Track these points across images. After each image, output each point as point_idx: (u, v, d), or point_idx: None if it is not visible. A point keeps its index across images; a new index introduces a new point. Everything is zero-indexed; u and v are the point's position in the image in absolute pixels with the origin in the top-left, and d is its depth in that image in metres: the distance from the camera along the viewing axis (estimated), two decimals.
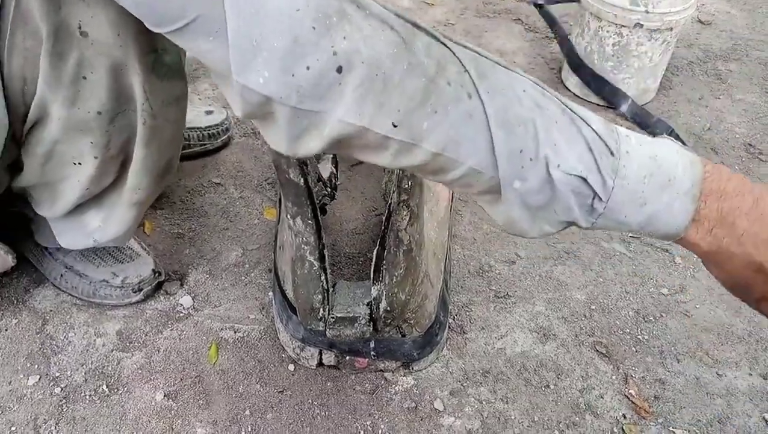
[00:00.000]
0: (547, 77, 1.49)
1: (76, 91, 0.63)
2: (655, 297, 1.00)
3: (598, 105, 1.40)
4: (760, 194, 0.49)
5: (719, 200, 0.48)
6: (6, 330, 0.90)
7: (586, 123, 0.48)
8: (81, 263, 0.93)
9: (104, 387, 0.84)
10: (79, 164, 0.70)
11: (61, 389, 0.84)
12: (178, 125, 0.75)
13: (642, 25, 1.27)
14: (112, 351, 0.88)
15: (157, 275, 0.94)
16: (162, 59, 0.66)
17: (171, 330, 0.91)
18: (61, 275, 0.93)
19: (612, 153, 0.47)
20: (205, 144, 1.19)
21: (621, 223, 0.49)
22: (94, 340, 0.89)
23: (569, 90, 1.44)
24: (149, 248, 0.98)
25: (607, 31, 1.31)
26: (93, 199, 0.77)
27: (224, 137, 1.21)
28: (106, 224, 0.80)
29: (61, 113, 0.65)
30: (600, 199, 0.47)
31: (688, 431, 0.83)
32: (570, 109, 0.49)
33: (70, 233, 0.83)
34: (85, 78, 0.62)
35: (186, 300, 0.95)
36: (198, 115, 1.20)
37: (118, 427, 0.80)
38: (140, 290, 0.92)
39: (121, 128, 0.69)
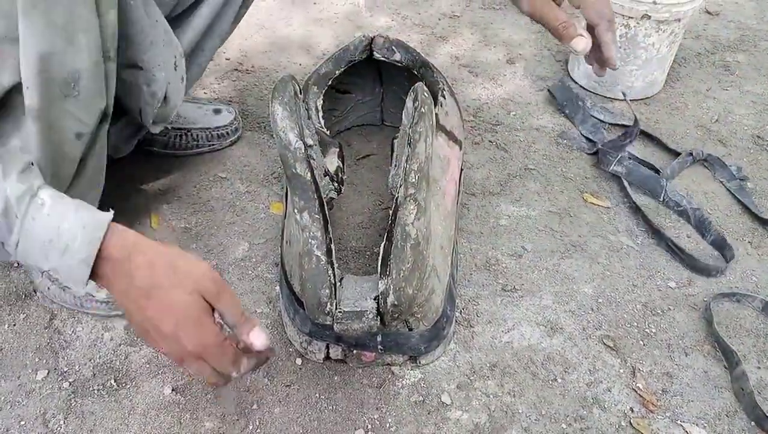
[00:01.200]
0: (555, 69, 1.48)
1: None
2: (663, 290, 1.00)
3: (604, 97, 1.40)
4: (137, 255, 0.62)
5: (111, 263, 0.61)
6: (14, 324, 0.90)
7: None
8: None
9: (112, 381, 0.84)
10: None
11: (70, 383, 0.84)
12: (75, 19, 0.65)
13: (649, 17, 1.26)
14: (120, 345, 0.89)
15: None
16: None
17: None
18: (48, 288, 0.91)
19: (17, 216, 0.59)
20: (213, 144, 1.19)
21: (34, 264, 0.61)
22: (102, 335, 0.90)
23: (576, 82, 1.43)
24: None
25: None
26: (10, 121, 0.71)
27: (233, 137, 1.21)
28: (26, 151, 0.70)
29: None
30: (9, 244, 0.60)
31: (696, 424, 0.83)
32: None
33: None
34: None
35: None
36: (206, 114, 1.19)
37: (126, 421, 0.81)
38: None
39: None
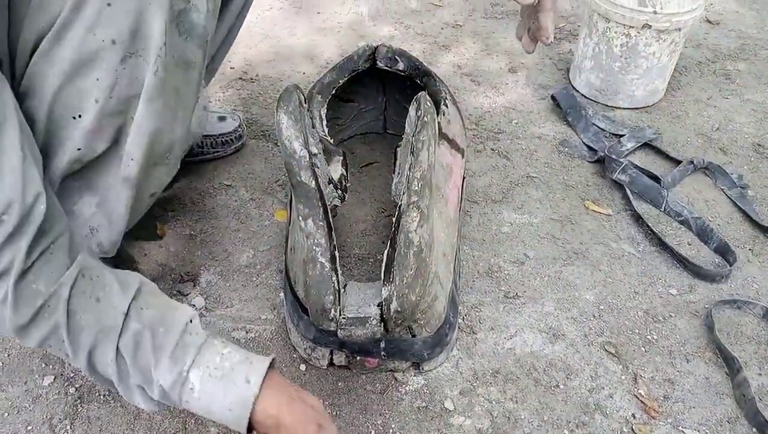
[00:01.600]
0: (556, 78, 1.49)
1: (98, 15, 0.61)
2: (664, 297, 1.00)
3: (605, 105, 1.41)
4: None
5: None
6: None
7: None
8: None
9: None
10: (79, 117, 0.66)
11: (76, 389, 0.85)
12: (181, 98, 0.71)
13: (650, 26, 1.27)
14: None
15: None
16: (189, 14, 0.66)
17: None
18: None
19: (174, 399, 0.66)
20: (218, 151, 1.20)
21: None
22: None
23: (578, 90, 1.45)
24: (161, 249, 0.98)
25: (615, 32, 1.31)
26: (84, 182, 0.73)
27: (238, 144, 1.22)
28: (102, 209, 0.74)
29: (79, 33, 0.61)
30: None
31: (698, 431, 0.84)
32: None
33: None
34: (109, 5, 0.60)
35: (198, 301, 0.96)
36: (210, 121, 1.21)
37: (132, 427, 0.81)
38: None
39: (130, 74, 0.65)
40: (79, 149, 0.67)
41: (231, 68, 1.47)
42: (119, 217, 0.75)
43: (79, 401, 0.84)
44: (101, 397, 0.84)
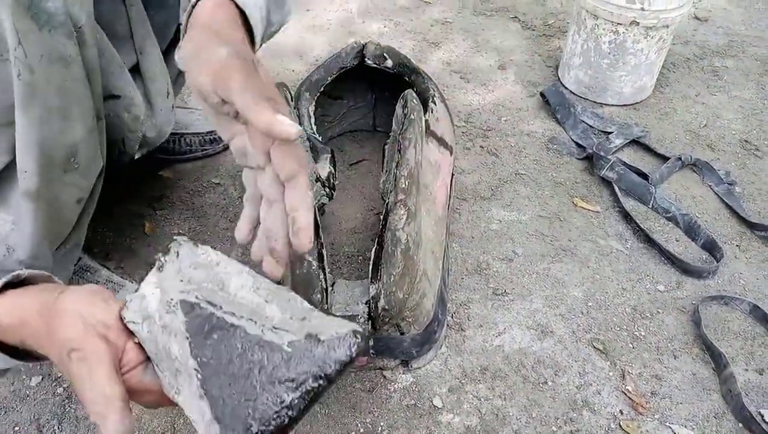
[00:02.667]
0: (546, 75, 1.50)
1: None
2: (652, 294, 1.01)
3: (594, 102, 1.41)
4: None
5: None
6: None
7: None
8: None
9: None
10: None
11: (64, 389, 0.85)
12: (70, 97, 0.63)
13: (638, 23, 1.27)
14: None
15: None
16: (41, 3, 0.58)
17: None
18: None
19: None
20: (206, 149, 1.20)
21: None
22: None
23: (566, 87, 1.45)
24: (150, 246, 0.97)
25: (603, 29, 1.32)
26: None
27: (226, 142, 1.22)
28: (19, 226, 0.66)
29: None
30: None
31: (685, 426, 0.84)
32: None
33: None
34: None
35: None
36: (198, 119, 1.20)
37: None
38: None
39: (1, 80, 0.59)
40: None
41: None
42: (33, 233, 0.66)
43: (66, 401, 0.83)
44: None
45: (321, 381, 0.44)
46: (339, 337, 0.45)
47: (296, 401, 0.44)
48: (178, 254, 0.50)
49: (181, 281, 0.49)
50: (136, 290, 0.50)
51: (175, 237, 0.52)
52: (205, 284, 0.48)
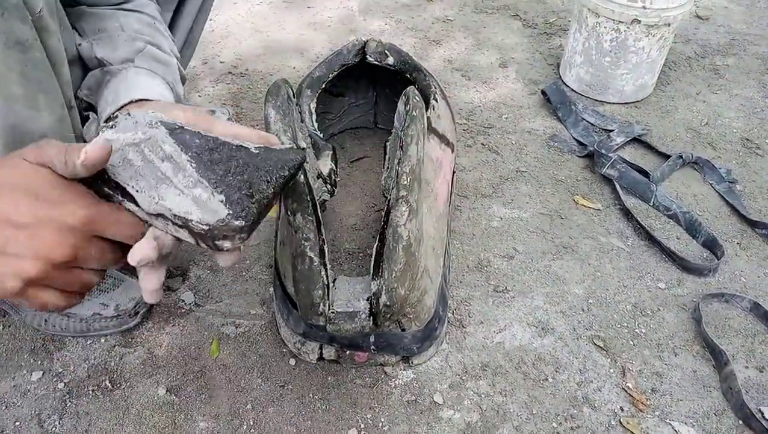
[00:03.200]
0: (547, 73, 1.50)
1: None
2: (653, 291, 1.01)
3: (595, 100, 1.41)
4: None
5: None
6: (9, 326, 0.91)
7: None
8: None
9: (107, 382, 0.85)
10: None
11: (65, 384, 0.85)
12: (34, 83, 0.62)
13: (639, 21, 1.27)
14: (114, 346, 0.89)
15: None
16: None
17: (173, 325, 0.92)
18: (46, 320, 0.89)
19: None
20: None
21: None
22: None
23: (568, 85, 1.45)
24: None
25: (605, 27, 1.32)
26: None
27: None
28: None
29: None
30: None
31: (685, 423, 0.84)
32: None
33: None
34: None
35: (188, 296, 0.96)
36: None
37: (121, 422, 0.81)
38: (137, 313, 0.90)
39: None
40: None
41: (221, 63, 1.47)
42: None
43: (67, 396, 0.83)
44: (90, 392, 0.84)
45: (286, 173, 0.55)
46: (287, 149, 0.57)
47: (274, 182, 0.54)
48: (135, 120, 0.54)
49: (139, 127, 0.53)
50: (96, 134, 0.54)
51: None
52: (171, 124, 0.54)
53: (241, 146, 0.54)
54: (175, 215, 0.51)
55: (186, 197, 0.51)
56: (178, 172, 0.51)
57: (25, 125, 0.62)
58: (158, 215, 0.52)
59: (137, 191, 0.52)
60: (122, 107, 0.67)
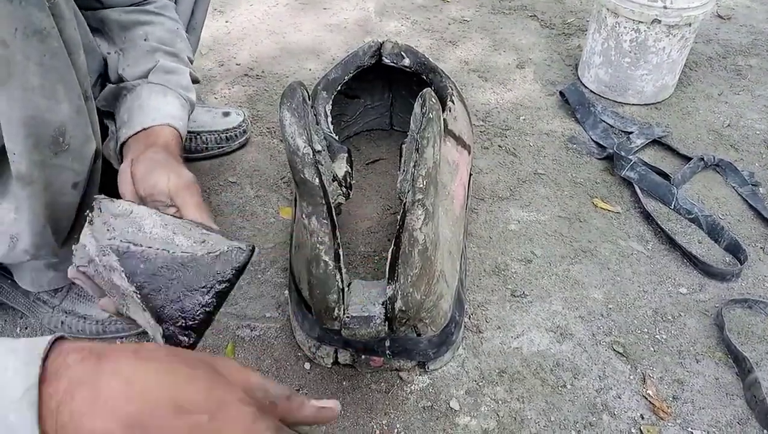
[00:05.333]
0: (565, 74, 1.48)
1: None
2: (674, 296, 0.99)
3: (614, 102, 1.39)
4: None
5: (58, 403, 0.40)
6: (27, 328, 0.91)
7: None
8: (81, 305, 0.88)
9: None
10: None
11: None
12: (52, 73, 0.61)
13: (660, 21, 1.25)
14: None
15: None
16: None
17: None
18: (62, 322, 0.88)
19: None
20: (222, 147, 1.19)
21: None
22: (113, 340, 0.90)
23: (586, 86, 1.43)
24: None
25: (625, 27, 1.30)
26: (2, 189, 0.67)
27: (242, 139, 1.22)
28: (20, 214, 0.67)
29: None
30: None
31: (708, 432, 0.82)
32: None
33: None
34: None
35: None
36: (215, 117, 1.20)
37: None
38: None
39: None
40: None
41: (237, 65, 1.47)
42: (32, 220, 0.66)
43: None
44: None
45: (225, 284, 0.61)
46: (231, 251, 0.62)
47: (209, 300, 0.60)
48: (101, 210, 0.61)
49: (108, 230, 0.61)
50: (77, 242, 0.61)
51: (95, 197, 0.62)
52: (127, 229, 0.61)
53: (184, 261, 0.60)
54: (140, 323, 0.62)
55: (140, 315, 0.61)
56: (131, 298, 0.60)
57: (43, 116, 0.62)
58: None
59: (112, 297, 0.62)
60: (134, 135, 0.75)
